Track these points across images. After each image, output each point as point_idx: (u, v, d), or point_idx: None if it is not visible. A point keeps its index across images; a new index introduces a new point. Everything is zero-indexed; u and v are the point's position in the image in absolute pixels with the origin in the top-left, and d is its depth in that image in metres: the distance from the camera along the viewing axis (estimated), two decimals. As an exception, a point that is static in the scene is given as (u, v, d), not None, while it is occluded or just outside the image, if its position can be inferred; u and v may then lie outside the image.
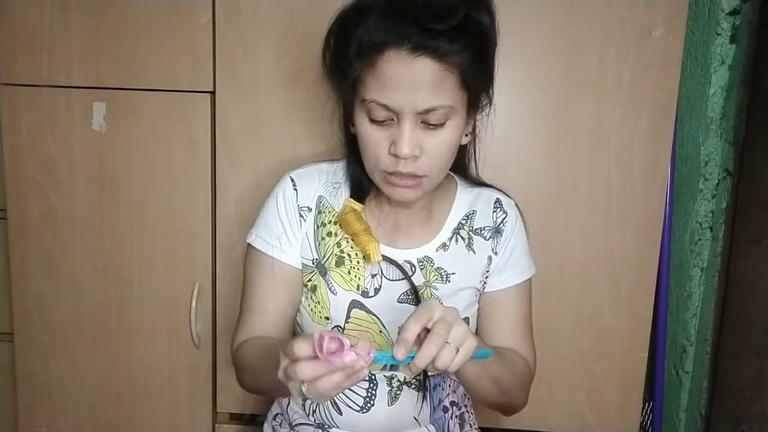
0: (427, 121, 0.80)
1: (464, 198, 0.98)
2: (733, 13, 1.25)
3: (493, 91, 0.89)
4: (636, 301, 1.17)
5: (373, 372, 0.94)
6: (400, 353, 0.66)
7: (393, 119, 0.80)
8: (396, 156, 0.81)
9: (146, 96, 1.14)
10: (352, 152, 0.92)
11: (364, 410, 0.94)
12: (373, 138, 0.82)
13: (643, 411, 1.35)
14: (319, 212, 0.94)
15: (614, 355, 1.18)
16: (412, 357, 0.67)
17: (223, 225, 1.18)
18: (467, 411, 1.05)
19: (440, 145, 0.82)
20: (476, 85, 0.83)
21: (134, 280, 1.21)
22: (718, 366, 1.32)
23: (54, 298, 1.22)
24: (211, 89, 1.13)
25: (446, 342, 0.68)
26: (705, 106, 1.29)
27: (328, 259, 0.92)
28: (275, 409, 1.05)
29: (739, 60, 1.26)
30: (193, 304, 1.18)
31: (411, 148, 0.80)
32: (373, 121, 0.81)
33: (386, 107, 0.79)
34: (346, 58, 0.80)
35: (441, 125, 0.81)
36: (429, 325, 0.69)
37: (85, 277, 1.21)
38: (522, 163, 1.14)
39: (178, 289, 1.20)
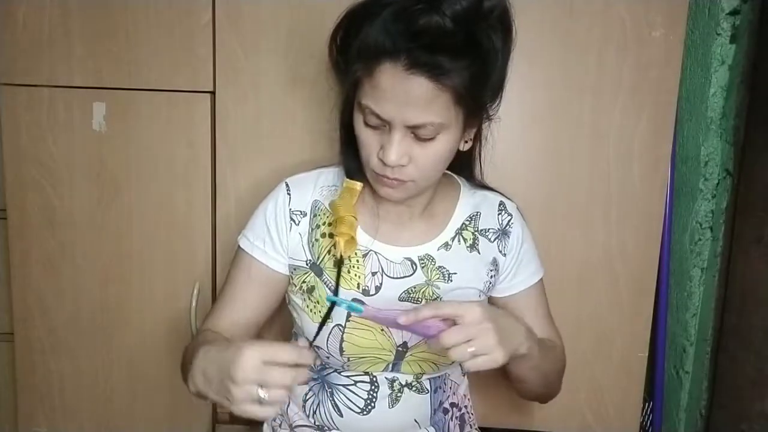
0: (417, 134, 0.80)
1: (468, 199, 0.98)
2: (733, 13, 1.25)
3: (500, 102, 0.87)
4: (636, 301, 1.17)
5: (375, 374, 0.94)
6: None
7: (385, 126, 0.81)
8: (383, 162, 0.82)
9: (146, 96, 1.14)
10: (349, 138, 0.90)
11: (365, 412, 0.94)
12: (366, 140, 0.84)
13: (643, 411, 1.35)
14: (314, 215, 0.94)
15: (614, 355, 1.18)
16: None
17: (223, 225, 1.18)
18: (467, 412, 1.05)
19: (429, 156, 0.82)
20: (476, 100, 0.81)
21: (134, 280, 1.21)
22: (718, 366, 1.32)
23: (54, 298, 1.22)
24: (211, 89, 1.13)
25: (469, 341, 0.74)
26: (705, 106, 1.29)
27: (323, 259, 0.92)
28: (275, 409, 1.05)
29: (739, 60, 1.26)
30: (193, 303, 1.18)
31: (398, 157, 0.80)
32: (367, 124, 0.82)
33: (378, 116, 0.79)
34: (348, 56, 0.81)
35: (431, 138, 0.81)
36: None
37: (85, 277, 1.21)
38: (522, 163, 1.14)
39: (178, 289, 1.20)
